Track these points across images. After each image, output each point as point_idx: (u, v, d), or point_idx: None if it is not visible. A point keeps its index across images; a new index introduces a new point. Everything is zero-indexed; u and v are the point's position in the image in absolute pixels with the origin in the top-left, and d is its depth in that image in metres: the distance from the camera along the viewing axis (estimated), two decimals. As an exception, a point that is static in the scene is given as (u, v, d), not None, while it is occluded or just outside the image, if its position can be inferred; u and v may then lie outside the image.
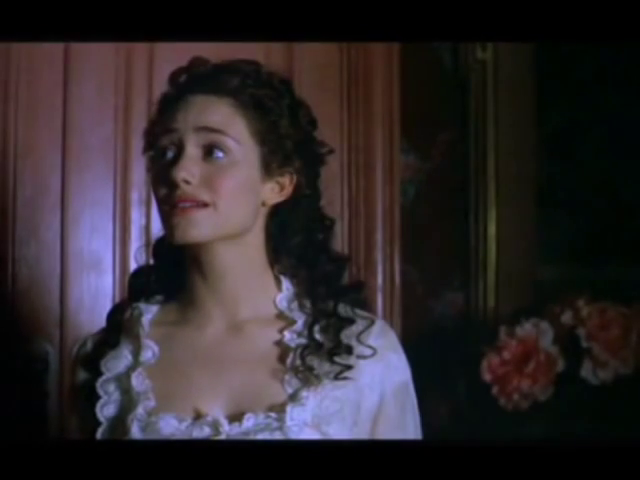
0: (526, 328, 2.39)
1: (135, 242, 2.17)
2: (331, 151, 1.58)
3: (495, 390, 2.37)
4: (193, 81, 1.50)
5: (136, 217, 2.20)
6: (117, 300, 2.10)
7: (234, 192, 1.45)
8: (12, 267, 2.10)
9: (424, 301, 2.54)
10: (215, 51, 1.54)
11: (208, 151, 1.45)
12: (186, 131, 1.45)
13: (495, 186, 2.55)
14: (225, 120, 1.46)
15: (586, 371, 2.37)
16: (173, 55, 1.57)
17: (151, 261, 1.61)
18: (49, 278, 2.13)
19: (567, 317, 2.40)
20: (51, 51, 2.13)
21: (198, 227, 1.44)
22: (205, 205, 1.44)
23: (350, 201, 2.38)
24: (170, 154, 1.47)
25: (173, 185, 1.43)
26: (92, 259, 2.17)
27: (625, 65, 2.56)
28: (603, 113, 2.57)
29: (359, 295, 1.58)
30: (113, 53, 2.19)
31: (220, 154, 1.45)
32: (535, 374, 2.36)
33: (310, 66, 2.33)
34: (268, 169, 1.49)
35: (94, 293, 2.16)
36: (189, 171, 1.43)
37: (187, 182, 1.43)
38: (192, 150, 1.45)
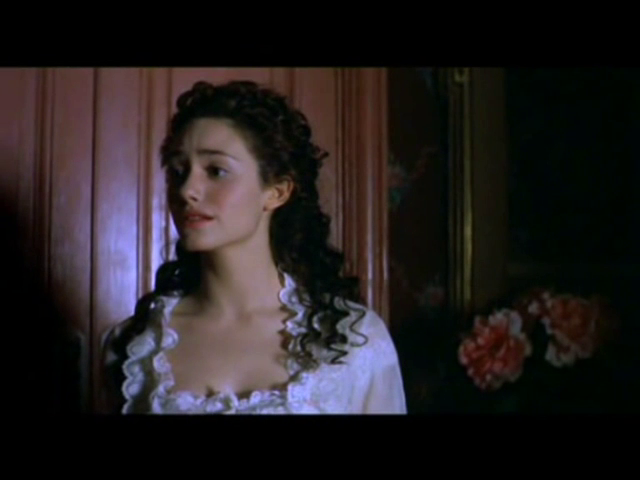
0: (498, 317, 2.38)
1: (156, 242, 2.17)
2: (325, 154, 1.57)
3: (471, 372, 2.37)
4: (196, 104, 1.49)
5: (157, 220, 2.20)
6: (140, 293, 2.12)
7: (235, 205, 1.45)
8: (48, 264, 2.10)
9: (409, 294, 2.54)
10: (225, 74, 1.55)
11: (212, 170, 1.45)
12: (191, 153, 1.45)
13: (470, 193, 2.55)
14: (224, 141, 1.45)
15: (550, 355, 2.36)
16: (189, 78, 1.57)
17: (172, 258, 1.62)
18: (81, 273, 2.13)
19: (534, 308, 2.39)
20: (82, 74, 2.13)
21: (205, 237, 1.44)
22: (210, 218, 1.44)
23: (344, 206, 2.37)
24: (179, 173, 1.47)
25: (182, 202, 1.44)
26: (118, 257, 2.16)
27: (585, 86, 2.56)
28: (566, 128, 2.58)
29: (352, 289, 1.58)
30: (137, 76, 2.19)
31: (222, 172, 1.45)
32: (506, 358, 2.35)
33: (309, 88, 2.33)
34: (266, 179, 1.48)
35: (120, 287, 2.16)
36: (195, 189, 1.44)
37: (194, 199, 1.43)
38: (197, 170, 1.45)
